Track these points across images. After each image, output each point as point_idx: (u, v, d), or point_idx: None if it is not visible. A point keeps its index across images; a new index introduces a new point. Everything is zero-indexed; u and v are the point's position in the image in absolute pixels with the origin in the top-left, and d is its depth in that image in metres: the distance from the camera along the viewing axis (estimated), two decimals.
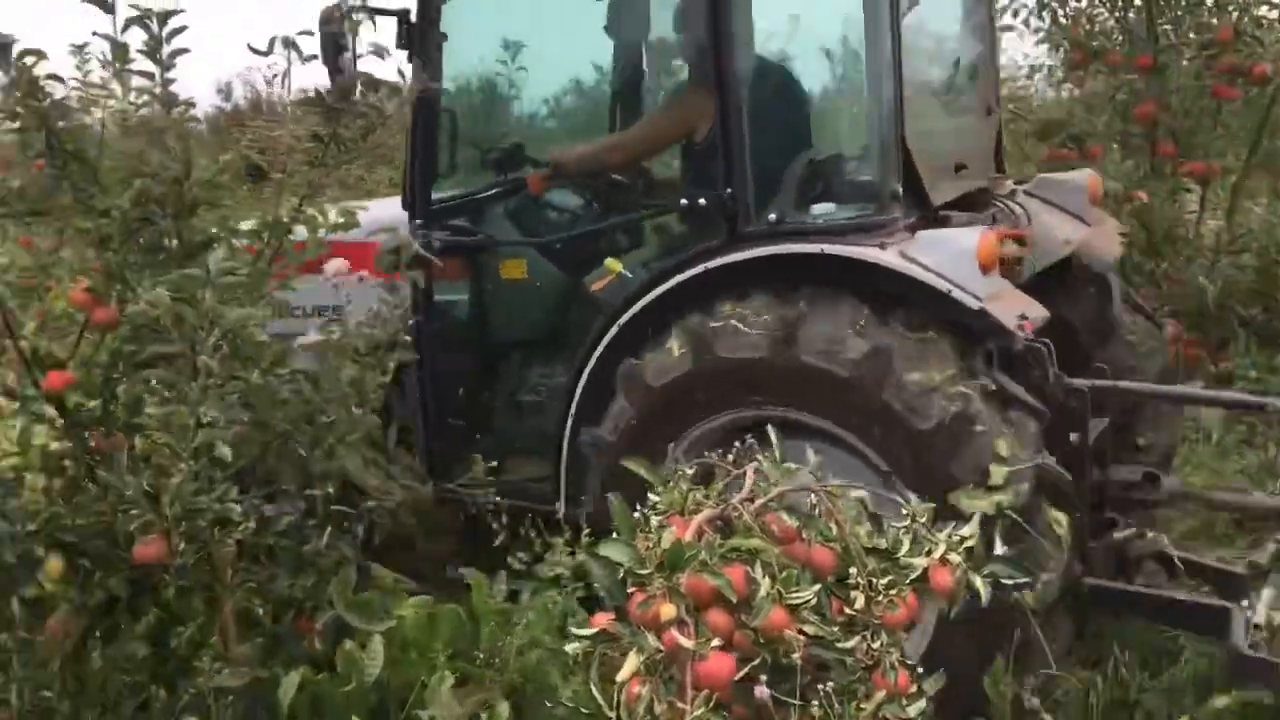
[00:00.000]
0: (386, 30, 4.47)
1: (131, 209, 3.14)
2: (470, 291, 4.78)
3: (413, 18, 4.48)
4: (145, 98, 3.30)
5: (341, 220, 3.46)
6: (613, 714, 2.21)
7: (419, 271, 3.84)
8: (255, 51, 3.30)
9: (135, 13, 3.23)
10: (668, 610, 2.22)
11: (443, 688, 3.44)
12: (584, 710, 2.43)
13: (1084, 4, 6.73)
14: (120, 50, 3.22)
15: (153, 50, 3.29)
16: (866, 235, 3.91)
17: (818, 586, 2.33)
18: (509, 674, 3.54)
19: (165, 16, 3.27)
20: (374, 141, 3.56)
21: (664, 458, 3.85)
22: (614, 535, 2.40)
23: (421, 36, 4.49)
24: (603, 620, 2.34)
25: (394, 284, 3.71)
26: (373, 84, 3.38)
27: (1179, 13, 6.61)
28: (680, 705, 2.17)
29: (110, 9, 3.19)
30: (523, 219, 4.95)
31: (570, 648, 2.40)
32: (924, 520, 2.49)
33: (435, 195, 4.78)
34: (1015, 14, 6.77)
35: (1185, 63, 6.46)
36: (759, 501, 2.49)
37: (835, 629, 2.34)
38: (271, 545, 3.50)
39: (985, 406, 3.64)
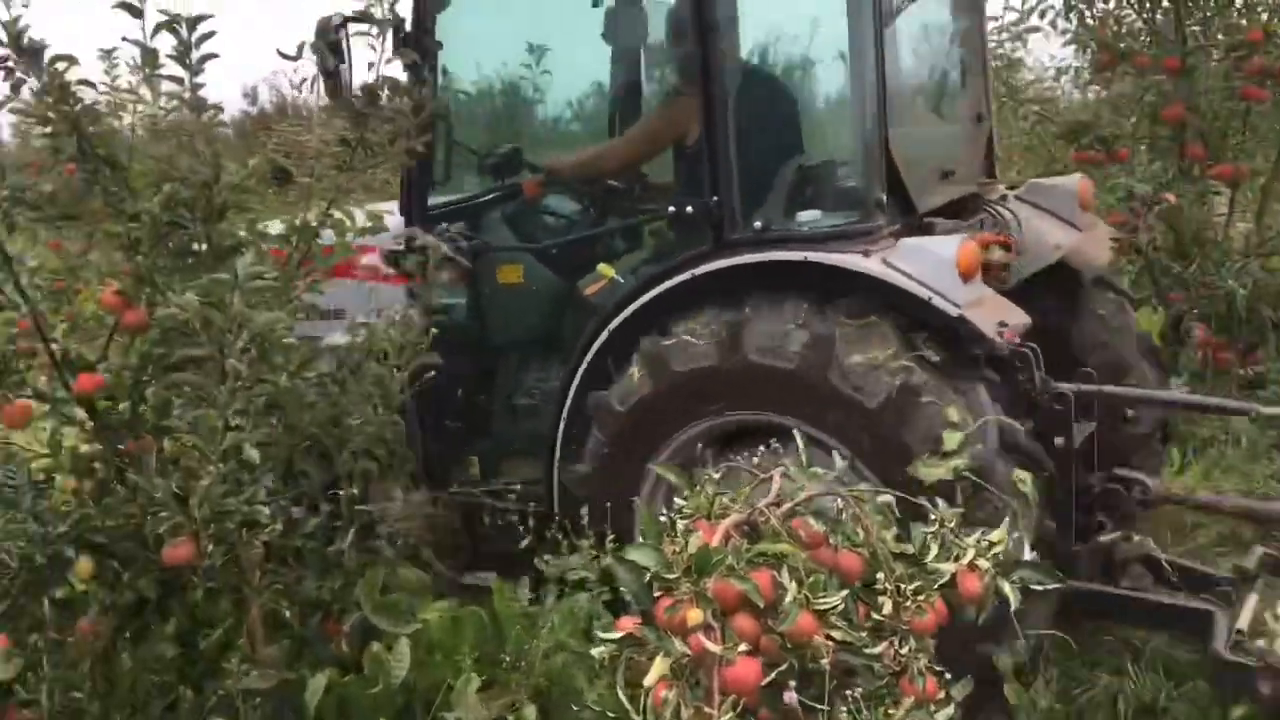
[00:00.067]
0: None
1: (161, 213, 3.16)
2: (467, 296, 4.81)
3: (408, 27, 4.50)
4: (174, 102, 3.32)
5: (369, 224, 3.48)
6: (639, 718, 2.21)
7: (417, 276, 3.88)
8: (284, 56, 3.32)
9: (164, 18, 3.25)
10: (695, 615, 2.22)
11: (469, 690, 3.45)
12: (610, 714, 2.43)
13: (1112, 5, 6.68)
14: (150, 55, 3.24)
15: (182, 55, 3.31)
16: (851, 242, 3.95)
17: (845, 592, 2.32)
18: (534, 677, 3.54)
19: (194, 22, 3.29)
20: (400, 145, 3.56)
21: (642, 478, 4.04)
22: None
23: (417, 45, 4.52)
24: (629, 624, 2.35)
25: (419, 287, 3.73)
26: (399, 89, 3.39)
27: (1207, 14, 6.55)
28: (707, 710, 2.17)
29: (140, 14, 3.21)
30: (519, 224, 4.99)
31: (596, 651, 2.40)
32: (951, 525, 2.48)
33: (432, 201, 4.81)
34: (1042, 15, 6.74)
35: (1214, 64, 6.40)
36: (785, 506, 2.48)
37: (863, 634, 2.33)
38: (299, 547, 3.52)
39: (930, 377, 3.70)
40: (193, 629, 3.49)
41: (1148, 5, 6.59)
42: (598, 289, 4.35)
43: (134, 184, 3.23)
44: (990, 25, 7.21)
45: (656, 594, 2.30)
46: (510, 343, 4.94)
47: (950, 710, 2.36)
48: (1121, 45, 6.54)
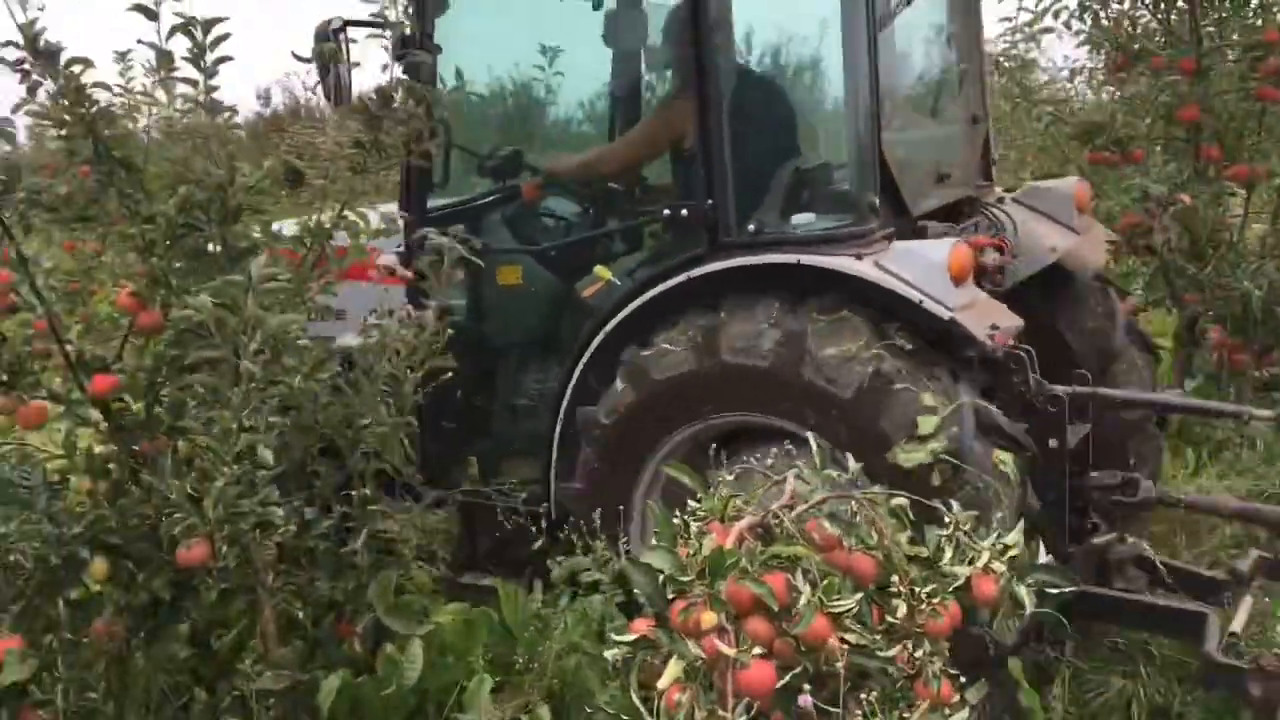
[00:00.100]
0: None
1: (177, 215, 3.17)
2: (467, 297, 4.82)
3: (407, 30, 4.52)
4: (189, 105, 3.33)
5: (384, 226, 3.49)
6: None
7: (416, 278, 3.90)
8: (298, 58, 3.33)
9: (179, 20, 3.26)
10: (709, 617, 2.21)
11: (482, 692, 3.45)
12: (623, 716, 2.43)
13: (1126, 6, 6.65)
14: (165, 58, 3.25)
15: (196, 58, 3.32)
16: (844, 245, 3.97)
17: (859, 595, 2.32)
18: (548, 679, 3.54)
19: (208, 24, 3.30)
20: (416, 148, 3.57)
21: (635, 488, 4.13)
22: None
23: (416, 48, 4.54)
24: (643, 626, 2.34)
25: (433, 288, 3.74)
26: (414, 91, 3.40)
27: (1223, 15, 6.52)
28: (721, 713, 2.16)
29: (155, 17, 3.22)
30: (518, 226, 5.02)
31: (609, 653, 2.40)
32: (966, 528, 2.47)
33: (431, 203, 4.84)
34: (1056, 15, 6.71)
35: (1229, 65, 6.37)
36: (799, 509, 2.48)
37: (877, 637, 2.33)
38: (312, 548, 3.52)
39: (902, 363, 3.74)
40: (206, 630, 3.50)
41: (1163, 6, 6.56)
42: (595, 291, 4.38)
43: (149, 186, 3.24)
44: (1004, 26, 7.23)
45: (670, 596, 2.30)
46: (509, 344, 4.97)
47: (965, 714, 2.35)
48: (1136, 46, 6.51)
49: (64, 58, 3.09)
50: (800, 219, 4.22)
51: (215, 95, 3.37)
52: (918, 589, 2.38)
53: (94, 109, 3.13)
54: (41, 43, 3.06)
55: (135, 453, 3.32)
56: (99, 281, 3.52)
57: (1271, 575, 3.95)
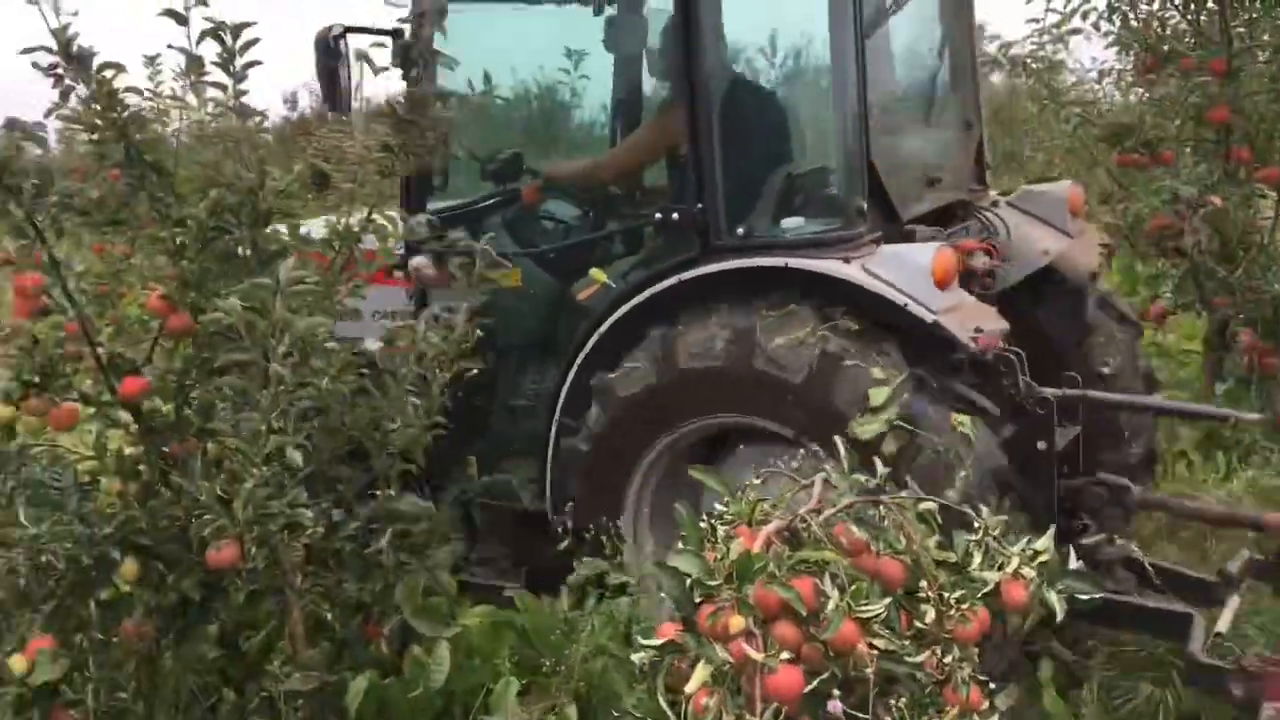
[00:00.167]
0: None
1: (207, 218, 3.19)
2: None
3: (407, 36, 4.56)
4: (219, 109, 3.35)
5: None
6: None
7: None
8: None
9: (209, 25, 3.28)
10: (736, 622, 2.21)
11: (508, 694, 3.46)
12: None
13: (1156, 6, 6.60)
14: (196, 62, 3.27)
15: (226, 62, 3.34)
16: (833, 249, 4.03)
17: (888, 600, 2.31)
18: (574, 681, 3.55)
19: (237, 29, 3.32)
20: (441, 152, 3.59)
21: (620, 511, 4.23)
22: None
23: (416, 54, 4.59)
24: (670, 630, 2.34)
25: (462, 290, 3.77)
26: (442, 96, 3.41)
27: (1253, 15, 6.46)
28: (749, 718, 2.16)
29: (185, 21, 3.24)
30: (517, 229, 5.06)
31: (636, 657, 2.40)
32: (996, 533, 2.46)
33: (431, 206, 4.86)
34: (1084, 17, 6.66)
35: (1260, 66, 6.31)
36: (827, 513, 2.47)
37: (905, 643, 2.32)
38: (339, 549, 3.54)
39: (849, 342, 3.82)
40: (235, 630, 3.52)
41: (1192, 6, 6.50)
42: (591, 294, 4.42)
43: (180, 190, 3.27)
44: (1032, 27, 7.18)
45: (698, 600, 2.30)
46: (508, 345, 5.00)
47: None
48: (1166, 47, 6.45)
49: (96, 62, 3.11)
50: (790, 223, 4.29)
51: (244, 99, 3.40)
52: (946, 594, 2.37)
53: (126, 113, 3.15)
54: (74, 48, 3.08)
55: (165, 454, 3.34)
56: (128, 284, 3.55)
57: (1260, 577, 3.96)
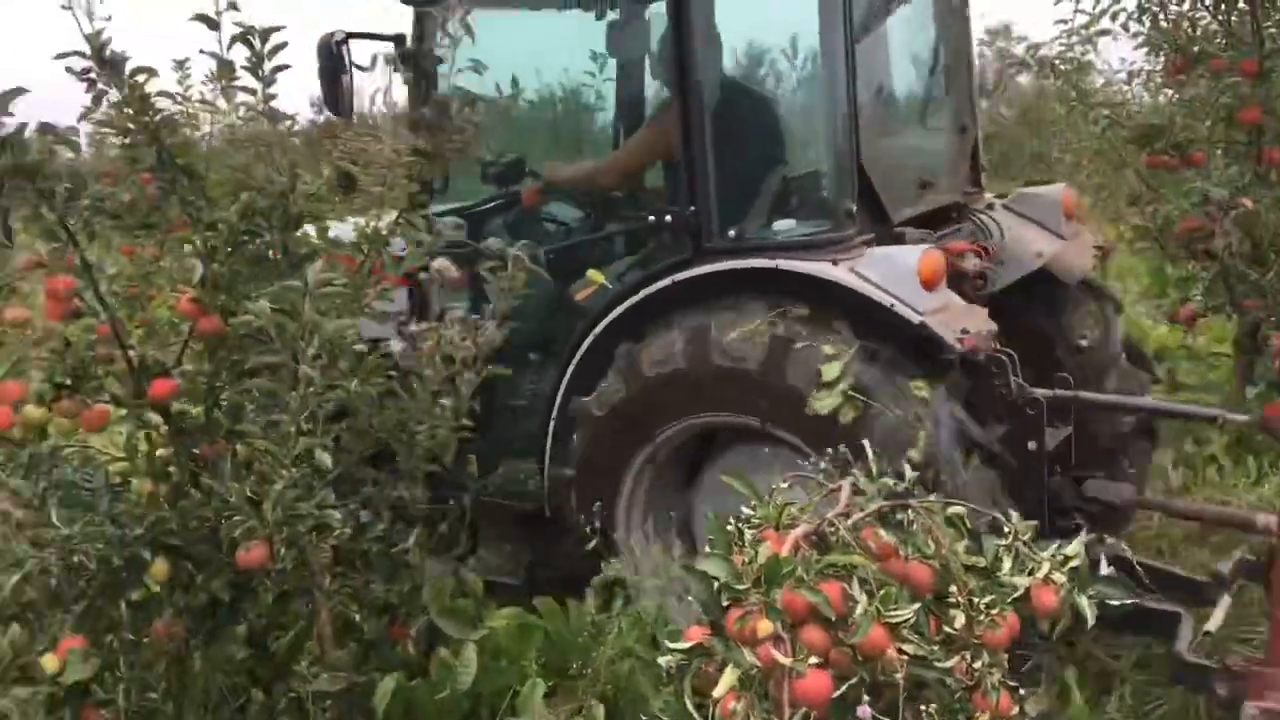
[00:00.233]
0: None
1: (239, 222, 3.21)
2: (467, 299, 4.88)
3: (408, 41, 4.63)
4: (249, 113, 3.38)
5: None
6: None
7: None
8: (359, 69, 3.35)
9: (239, 29, 3.30)
10: (764, 626, 2.21)
11: (535, 696, 3.46)
12: None
13: (1186, 7, 6.54)
14: (226, 67, 3.29)
15: (255, 66, 3.36)
16: (823, 251, 4.08)
17: (917, 605, 2.30)
18: (601, 684, 3.55)
19: (266, 33, 3.34)
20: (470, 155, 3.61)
21: (614, 527, 4.31)
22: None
23: (416, 59, 4.62)
24: (698, 634, 2.34)
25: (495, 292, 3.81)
26: (471, 101, 3.43)
27: None
28: None
29: (216, 26, 3.27)
30: (518, 231, 5.10)
31: (664, 660, 2.40)
32: (1026, 538, 2.45)
33: (434, 208, 4.89)
34: (1114, 18, 6.62)
35: None
36: (855, 517, 2.46)
37: (934, 648, 2.31)
38: (366, 550, 3.56)
39: (798, 326, 3.92)
40: (264, 631, 3.54)
41: (1223, 7, 6.44)
42: (588, 294, 4.49)
43: (211, 193, 3.29)
44: (1060, 28, 7.13)
45: (726, 604, 2.29)
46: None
47: None
48: (1196, 48, 6.40)
49: (129, 67, 3.13)
50: (781, 225, 4.33)
51: (273, 103, 3.42)
52: (976, 599, 2.36)
53: (158, 117, 3.18)
54: (107, 52, 3.11)
55: (195, 456, 3.37)
56: (157, 286, 3.57)
57: (1251, 577, 3.95)
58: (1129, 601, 2.58)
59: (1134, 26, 6.62)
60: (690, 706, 2.28)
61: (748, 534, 2.44)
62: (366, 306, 3.37)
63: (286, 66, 3.40)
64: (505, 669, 3.72)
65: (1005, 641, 2.36)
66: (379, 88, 3.52)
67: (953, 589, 2.38)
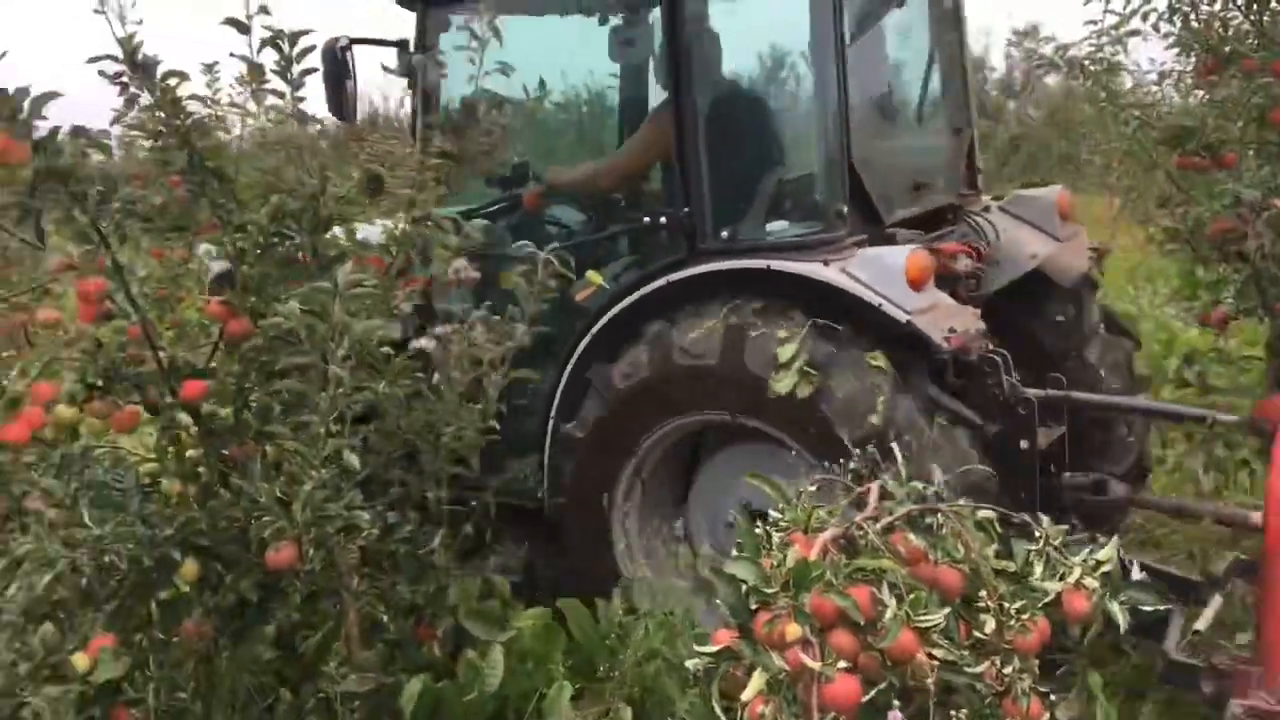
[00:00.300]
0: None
1: (269, 224, 3.23)
2: (471, 300, 4.90)
3: (411, 47, 4.68)
4: (278, 116, 3.40)
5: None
6: None
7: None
8: (387, 70, 3.37)
9: (268, 33, 3.32)
10: (793, 630, 2.20)
11: (562, 698, 3.46)
12: None
13: (1217, 7, 6.48)
14: (257, 70, 3.31)
15: (284, 70, 3.39)
16: (814, 252, 4.14)
17: (946, 609, 2.28)
18: (628, 686, 3.55)
19: (295, 37, 3.36)
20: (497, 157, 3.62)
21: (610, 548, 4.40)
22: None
23: (420, 64, 4.66)
24: (726, 637, 2.33)
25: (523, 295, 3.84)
26: (499, 103, 3.44)
27: None
28: None
29: (247, 30, 3.29)
30: (519, 233, 5.15)
31: (691, 663, 2.39)
32: (1057, 543, 2.43)
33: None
34: (1144, 18, 6.56)
35: None
36: (884, 520, 2.45)
37: (964, 653, 2.29)
38: (393, 551, 3.57)
39: (752, 317, 4.02)
40: (291, 631, 3.55)
41: (1255, 7, 6.38)
42: (588, 295, 4.52)
43: (241, 196, 3.31)
44: (1089, 29, 7.09)
45: (754, 608, 2.29)
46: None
47: None
48: (1228, 48, 6.34)
49: (160, 70, 3.16)
50: (773, 226, 4.40)
51: (301, 106, 3.44)
52: (1006, 604, 2.34)
53: (189, 120, 3.20)
54: (139, 56, 3.13)
55: (225, 457, 3.39)
56: (186, 289, 3.60)
57: (1245, 576, 3.94)
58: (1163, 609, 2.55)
59: (1164, 27, 6.56)
60: (718, 710, 2.28)
61: (775, 537, 2.43)
62: (395, 308, 3.38)
63: (315, 70, 3.42)
64: (532, 671, 3.72)
65: (1036, 647, 2.34)
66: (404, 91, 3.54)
67: (983, 594, 2.36)
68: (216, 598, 3.33)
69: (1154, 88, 7.93)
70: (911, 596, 2.26)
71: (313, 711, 3.44)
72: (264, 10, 3.25)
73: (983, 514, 2.56)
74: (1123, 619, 2.39)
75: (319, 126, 3.43)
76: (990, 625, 2.33)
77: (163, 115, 3.16)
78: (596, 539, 4.40)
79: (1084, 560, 2.40)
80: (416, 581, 3.64)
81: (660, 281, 4.28)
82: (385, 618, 3.55)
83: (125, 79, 3.15)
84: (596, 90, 5.77)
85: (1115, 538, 2.59)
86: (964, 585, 2.38)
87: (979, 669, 2.28)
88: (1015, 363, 4.10)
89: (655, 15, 4.91)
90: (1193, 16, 6.44)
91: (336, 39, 4.36)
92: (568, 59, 5.45)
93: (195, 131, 3.20)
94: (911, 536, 2.42)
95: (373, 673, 3.38)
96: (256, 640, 3.50)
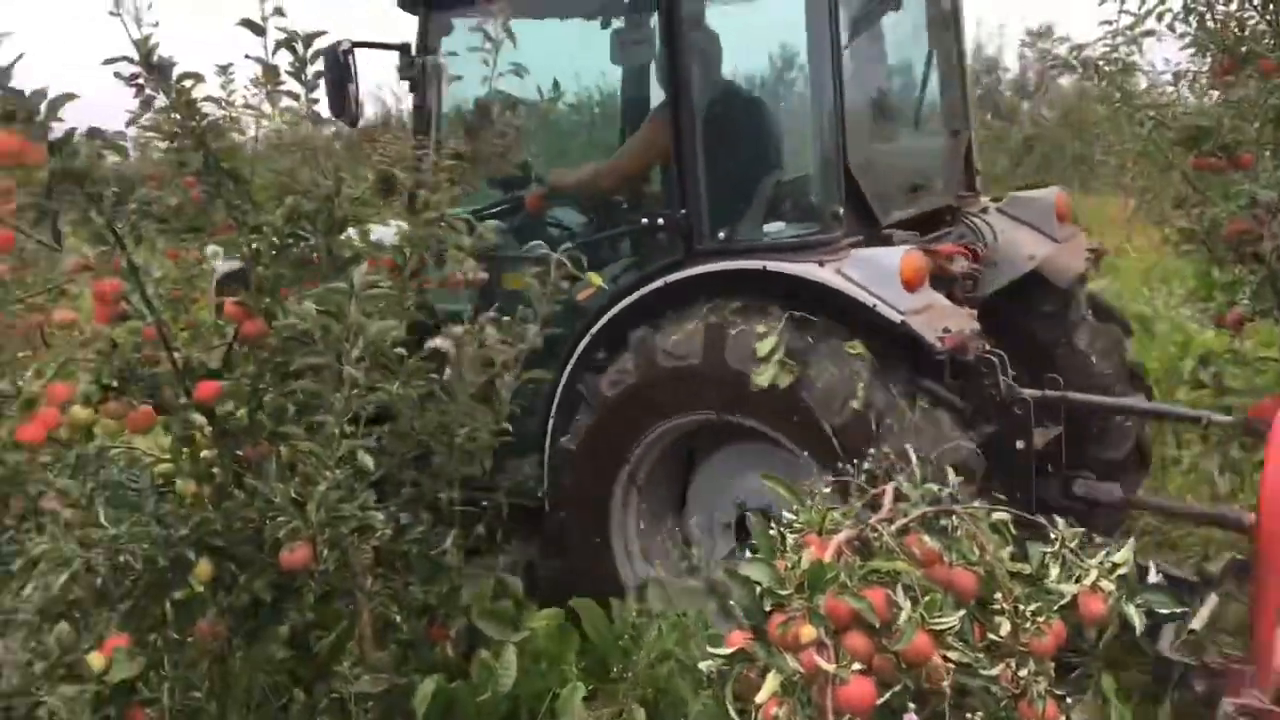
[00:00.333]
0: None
1: (284, 225, 3.24)
2: (474, 301, 4.91)
3: (413, 50, 4.71)
4: (294, 117, 3.41)
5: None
6: None
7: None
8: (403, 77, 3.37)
9: (283, 36, 3.33)
10: (807, 632, 2.19)
11: (575, 699, 3.46)
12: None
13: (1234, 7, 6.45)
14: (272, 72, 3.32)
15: (298, 71, 3.40)
16: (810, 253, 4.15)
17: (961, 612, 2.28)
18: (641, 687, 3.55)
19: (309, 38, 3.37)
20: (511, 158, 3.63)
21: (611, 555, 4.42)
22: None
23: (422, 68, 4.72)
24: (740, 639, 2.33)
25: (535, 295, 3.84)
26: (513, 104, 3.44)
27: None
28: None
29: (262, 32, 3.30)
30: (521, 234, 5.18)
31: (705, 665, 2.39)
32: (1073, 545, 2.42)
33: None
34: (1160, 18, 6.53)
35: None
36: (899, 522, 2.44)
37: (979, 655, 2.28)
38: (406, 552, 3.57)
39: (730, 315, 4.05)
40: (305, 632, 3.56)
41: (1271, 7, 6.35)
42: (588, 296, 4.52)
43: (256, 197, 3.32)
44: (1104, 29, 7.06)
45: (768, 610, 2.28)
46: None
47: None
48: (1244, 49, 6.31)
49: (176, 72, 3.17)
50: (770, 227, 4.42)
51: (315, 107, 3.45)
52: (1021, 606, 2.33)
53: (204, 122, 3.21)
54: (155, 57, 3.14)
55: (239, 457, 3.39)
56: (200, 289, 3.61)
57: (1241, 576, 3.91)
58: (1179, 612, 2.53)
59: (1180, 27, 6.53)
60: (732, 712, 2.27)
61: (790, 539, 2.42)
62: (409, 309, 3.38)
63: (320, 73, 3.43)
64: (545, 671, 3.72)
65: (1051, 649, 2.33)
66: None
67: (998, 596, 2.35)
68: (231, 598, 3.34)
69: (1169, 88, 7.88)
70: (926, 599, 2.25)
71: (326, 711, 3.44)
72: (279, 12, 3.26)
73: (998, 516, 2.55)
74: (1139, 622, 2.38)
75: (333, 128, 3.42)
76: (1005, 628, 2.32)
77: (178, 117, 3.17)
78: (595, 544, 4.40)
79: (1100, 563, 2.38)
80: (429, 582, 3.64)
81: (658, 283, 4.29)
82: (399, 618, 3.56)
83: (141, 81, 3.16)
84: (598, 92, 5.79)
85: (1131, 540, 2.57)
86: (979, 587, 2.37)
87: (994, 671, 2.27)
88: (1013, 363, 4.10)
89: (656, 19, 4.98)
90: (1208, 16, 6.41)
91: (338, 42, 4.38)
92: (569, 62, 5.46)
93: (210, 133, 3.21)
94: (926, 538, 2.41)
95: (386, 673, 3.38)
96: (270, 640, 3.51)
